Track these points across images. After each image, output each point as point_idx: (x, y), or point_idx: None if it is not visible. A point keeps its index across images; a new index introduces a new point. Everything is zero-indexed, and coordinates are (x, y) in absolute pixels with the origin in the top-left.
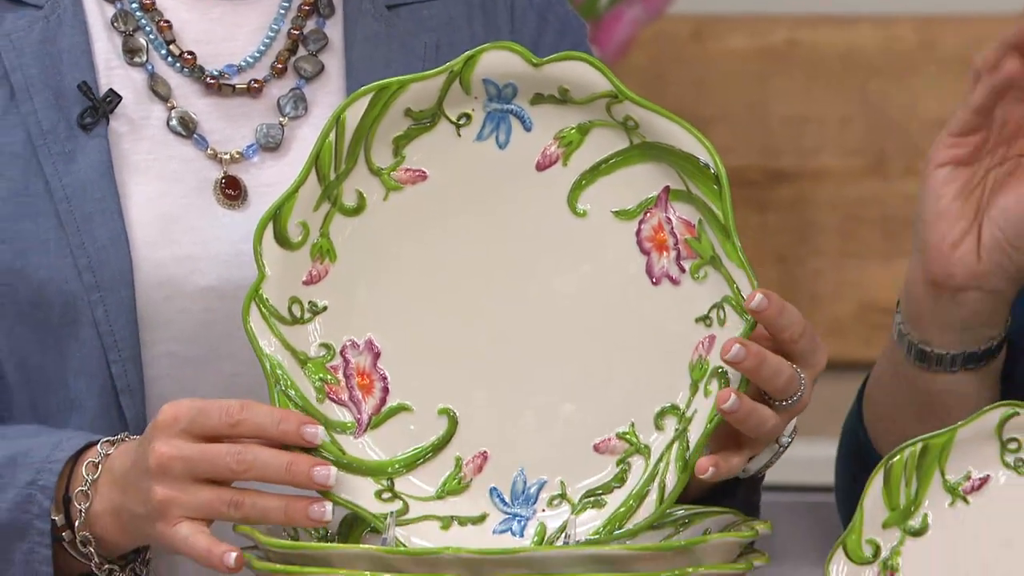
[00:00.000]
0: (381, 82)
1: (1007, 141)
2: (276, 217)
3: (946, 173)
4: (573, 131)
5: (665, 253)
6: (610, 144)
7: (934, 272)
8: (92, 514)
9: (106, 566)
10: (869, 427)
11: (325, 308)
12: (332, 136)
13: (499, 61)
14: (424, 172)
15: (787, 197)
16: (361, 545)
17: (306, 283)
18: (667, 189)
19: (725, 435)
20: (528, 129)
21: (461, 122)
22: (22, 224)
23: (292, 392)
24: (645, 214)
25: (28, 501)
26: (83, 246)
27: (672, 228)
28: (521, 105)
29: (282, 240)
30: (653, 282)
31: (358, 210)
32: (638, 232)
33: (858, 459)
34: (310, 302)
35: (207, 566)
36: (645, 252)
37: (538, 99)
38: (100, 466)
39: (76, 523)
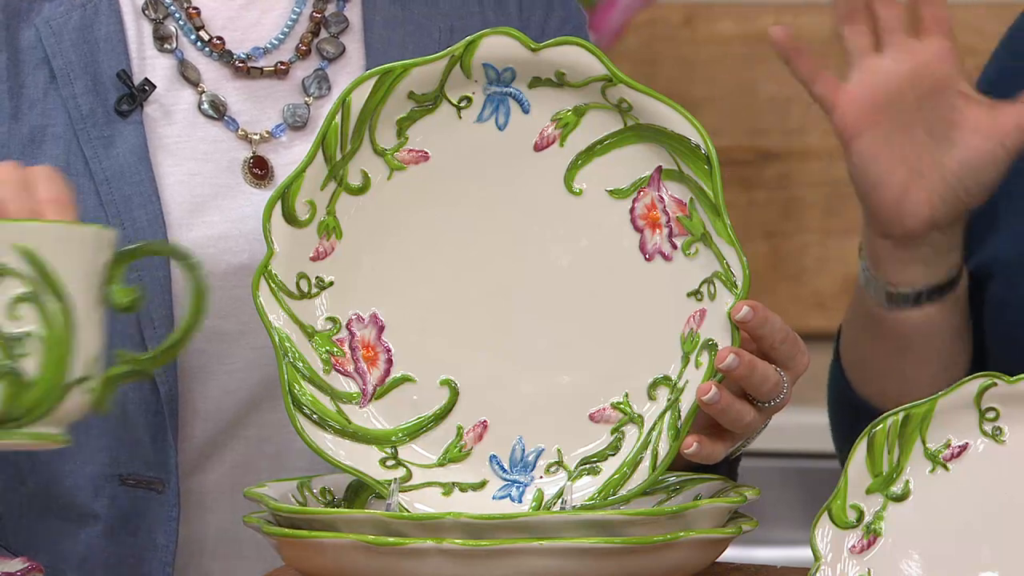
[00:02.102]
0: (385, 66)
1: (919, 87)
2: (284, 196)
3: (865, 143)
4: (569, 113)
5: (658, 230)
6: (605, 126)
7: (889, 230)
8: None
9: None
10: (848, 373)
11: (331, 283)
12: (338, 118)
13: (498, 46)
14: (426, 153)
15: (773, 175)
16: (366, 510)
17: (313, 259)
18: (659, 169)
19: (706, 425)
20: (526, 111)
21: (462, 104)
22: None
23: (300, 364)
24: (638, 193)
25: None
26: (123, 226)
27: (664, 206)
28: (519, 88)
29: (290, 218)
30: (646, 258)
31: (363, 189)
32: (632, 210)
33: (845, 406)
34: (317, 277)
35: None
36: (638, 229)
37: (536, 82)
38: None
39: None
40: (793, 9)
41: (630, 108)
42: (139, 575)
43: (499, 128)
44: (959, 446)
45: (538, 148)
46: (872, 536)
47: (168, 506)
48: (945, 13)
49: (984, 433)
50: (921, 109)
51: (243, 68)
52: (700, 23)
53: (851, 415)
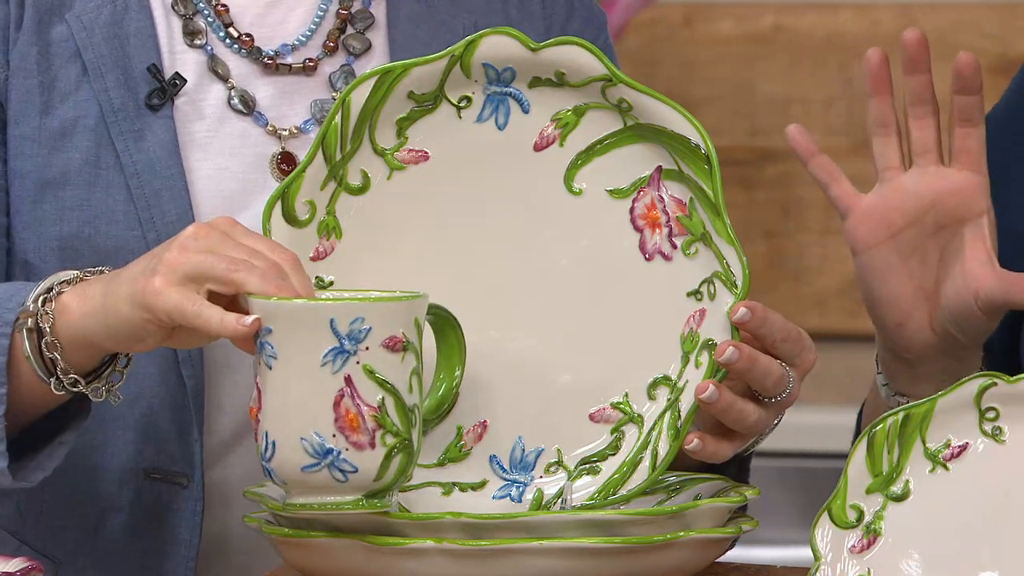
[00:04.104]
0: (385, 66)
1: (933, 207)
2: (284, 196)
3: (873, 259)
4: (569, 113)
5: (658, 230)
6: (605, 125)
7: (893, 347)
8: (63, 304)
9: (70, 375)
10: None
11: (331, 283)
12: (338, 118)
13: (498, 46)
14: (426, 152)
15: (773, 175)
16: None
17: (313, 259)
18: (659, 169)
19: (712, 425)
20: (526, 111)
21: (462, 104)
22: (94, 194)
23: None
24: (638, 193)
25: None
26: (152, 220)
27: (664, 206)
28: (519, 88)
29: (290, 218)
30: (646, 258)
31: (363, 189)
32: (632, 210)
33: None
34: (317, 277)
35: (219, 333)
36: (638, 229)
37: (536, 82)
38: (86, 277)
39: (45, 316)
40: (793, 9)
41: (630, 108)
42: (162, 569)
43: (499, 128)
44: (959, 446)
45: (538, 148)
46: (872, 536)
47: (192, 500)
48: (981, 149)
49: (984, 433)
50: (939, 235)
51: (271, 65)
52: (700, 23)
53: None
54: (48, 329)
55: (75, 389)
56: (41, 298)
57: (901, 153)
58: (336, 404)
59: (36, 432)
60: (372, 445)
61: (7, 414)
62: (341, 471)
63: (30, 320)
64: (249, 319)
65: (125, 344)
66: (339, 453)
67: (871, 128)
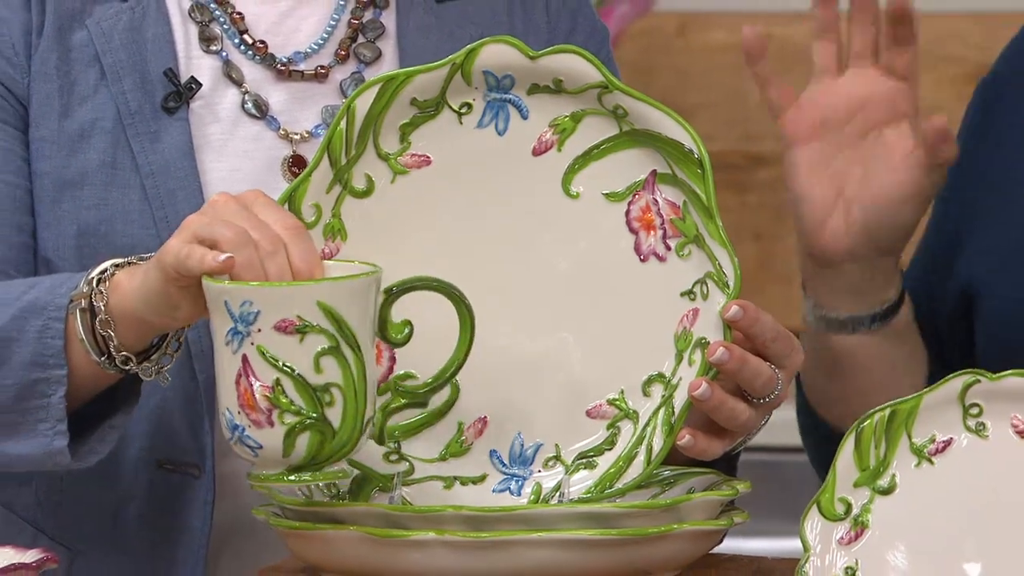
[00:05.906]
0: (388, 73)
1: (859, 118)
2: (291, 200)
3: (801, 154)
4: (567, 119)
5: (652, 232)
6: (601, 131)
7: (809, 247)
8: (116, 282)
9: (123, 353)
10: (808, 395)
11: None
12: (343, 124)
13: (498, 54)
14: (428, 157)
15: (765, 179)
16: (369, 503)
17: None
18: (654, 173)
19: (704, 423)
20: (525, 117)
21: (463, 111)
22: (110, 193)
23: None
24: (634, 196)
25: (50, 290)
26: (166, 219)
27: (659, 209)
28: (518, 95)
29: None
30: (641, 259)
31: (367, 192)
32: (627, 213)
33: (811, 429)
34: None
35: (199, 269)
36: (633, 231)
37: (534, 89)
38: (138, 262)
39: (99, 291)
40: (783, 19)
41: (626, 114)
42: (173, 558)
43: (499, 133)
44: (943, 441)
45: (537, 153)
46: (859, 528)
47: (204, 490)
48: (914, 62)
49: (968, 429)
50: (864, 141)
51: (284, 71)
52: (694, 33)
53: (816, 437)
54: (102, 307)
55: (126, 368)
56: (96, 279)
57: (839, 58)
58: (237, 382)
59: (83, 416)
60: (270, 423)
61: (65, 395)
62: (249, 447)
63: (83, 301)
64: (222, 256)
65: (163, 314)
66: (243, 429)
67: (815, 33)
